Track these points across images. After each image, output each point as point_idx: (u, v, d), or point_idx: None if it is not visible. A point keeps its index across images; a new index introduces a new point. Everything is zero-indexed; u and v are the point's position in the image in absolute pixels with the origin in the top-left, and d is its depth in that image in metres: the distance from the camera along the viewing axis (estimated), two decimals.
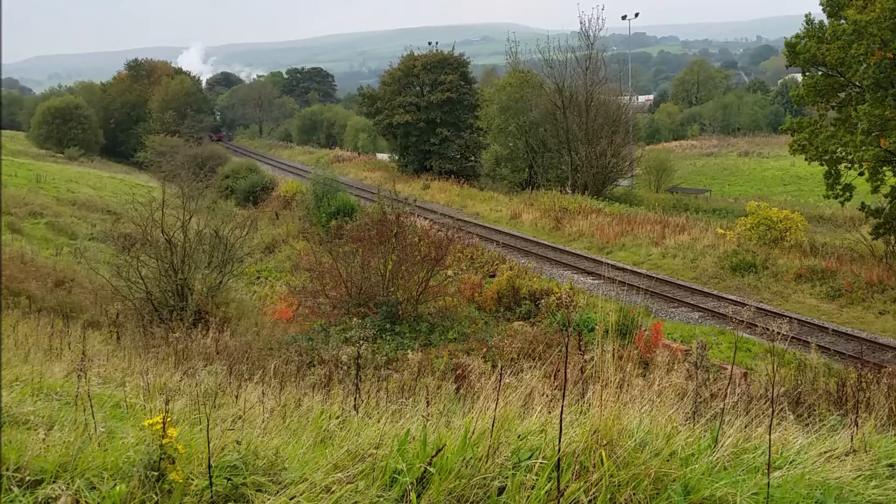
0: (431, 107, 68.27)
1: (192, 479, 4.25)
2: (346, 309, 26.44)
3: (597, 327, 19.49)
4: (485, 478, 4.28)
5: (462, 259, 35.50)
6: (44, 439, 4.70)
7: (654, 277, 32.35)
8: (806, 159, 36.96)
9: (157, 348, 13.88)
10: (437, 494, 4.14)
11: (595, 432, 4.54)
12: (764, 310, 26.73)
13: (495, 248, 37.99)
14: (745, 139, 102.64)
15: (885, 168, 33.64)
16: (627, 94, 75.08)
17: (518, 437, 4.74)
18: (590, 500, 4.21)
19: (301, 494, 4.24)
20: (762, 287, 31.08)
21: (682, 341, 23.20)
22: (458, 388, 11.71)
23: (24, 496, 4.12)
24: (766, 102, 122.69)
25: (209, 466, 4.17)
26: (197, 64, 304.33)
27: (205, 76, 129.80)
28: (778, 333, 5.68)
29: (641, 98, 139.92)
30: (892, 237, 34.24)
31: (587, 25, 62.39)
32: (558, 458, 4.22)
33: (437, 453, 4.27)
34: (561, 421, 4.32)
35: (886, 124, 31.57)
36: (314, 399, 7.97)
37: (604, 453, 4.39)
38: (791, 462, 4.95)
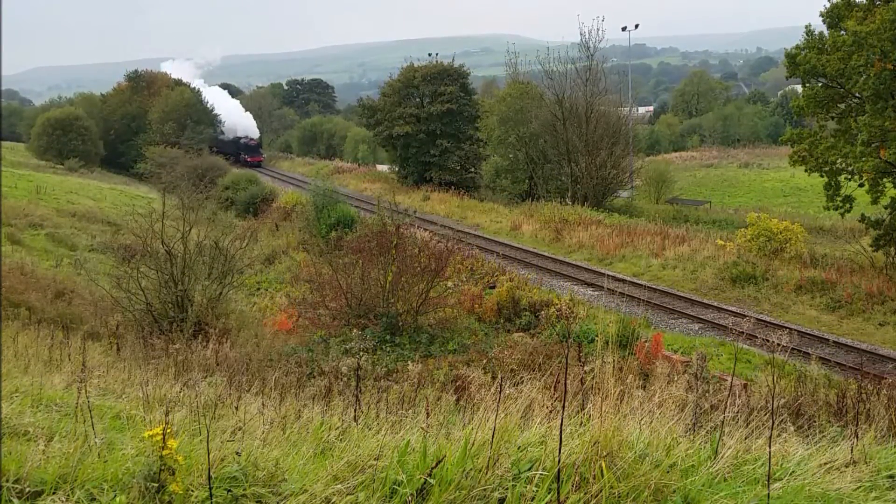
0: (431, 118, 68.26)
1: (192, 491, 4.26)
2: (346, 320, 26.44)
3: (597, 338, 19.51)
4: (485, 489, 4.28)
5: (462, 270, 35.48)
6: (44, 451, 4.70)
7: (654, 289, 32.34)
8: (806, 170, 36.95)
9: (156, 359, 13.89)
10: None
11: (595, 444, 4.55)
12: (764, 321, 26.72)
13: (495, 259, 37.98)
14: (745, 150, 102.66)
15: (885, 179, 33.62)
16: (627, 105, 75.17)
17: (518, 448, 4.74)
18: None
19: None
20: (762, 298, 31.07)
21: (682, 353, 23.18)
22: (458, 400, 11.71)
23: None
24: (766, 114, 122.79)
25: (209, 478, 4.17)
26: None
27: (205, 88, 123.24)
28: (778, 345, 5.69)
29: (641, 109, 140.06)
30: (892, 248, 34.22)
31: (587, 37, 62.58)
32: (558, 470, 4.22)
33: (437, 464, 4.27)
34: (561, 432, 4.33)
35: (886, 135, 31.58)
36: (314, 410, 7.98)
37: (604, 465, 4.39)
38: (791, 473, 4.96)
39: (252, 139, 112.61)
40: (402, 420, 6.63)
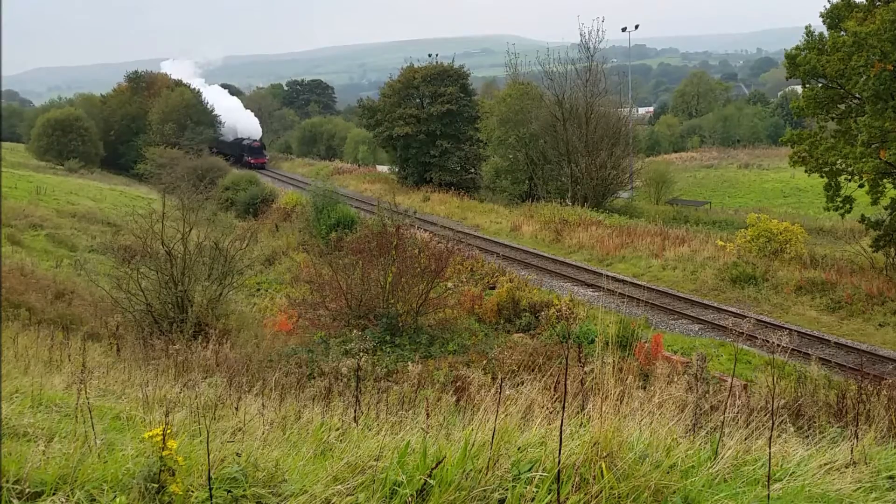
0: (431, 119, 68.27)
1: (192, 492, 4.26)
2: (346, 321, 26.42)
3: (597, 339, 19.48)
4: (485, 490, 4.28)
5: (462, 271, 35.49)
6: (44, 451, 4.70)
7: (654, 289, 32.33)
8: (806, 171, 36.97)
9: (156, 360, 13.88)
10: None
11: (595, 444, 4.55)
12: (764, 322, 26.71)
13: (495, 260, 37.97)
14: (745, 151, 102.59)
15: (884, 180, 33.64)
16: (627, 105, 75.18)
17: (518, 449, 4.74)
18: None
19: None
20: (762, 299, 31.07)
21: (682, 353, 23.18)
22: (458, 400, 11.71)
23: None
24: (767, 114, 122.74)
25: (209, 478, 4.17)
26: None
27: (205, 87, 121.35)
28: (778, 345, 5.69)
29: (641, 110, 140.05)
30: (893, 249, 34.23)
31: (587, 37, 62.45)
32: (558, 471, 4.22)
33: (437, 465, 4.27)
34: (561, 433, 4.33)
35: (886, 136, 31.59)
36: (314, 411, 7.98)
37: (604, 465, 4.39)
38: (791, 474, 4.96)
39: (256, 140, 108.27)
40: (402, 421, 6.64)
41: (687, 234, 41.82)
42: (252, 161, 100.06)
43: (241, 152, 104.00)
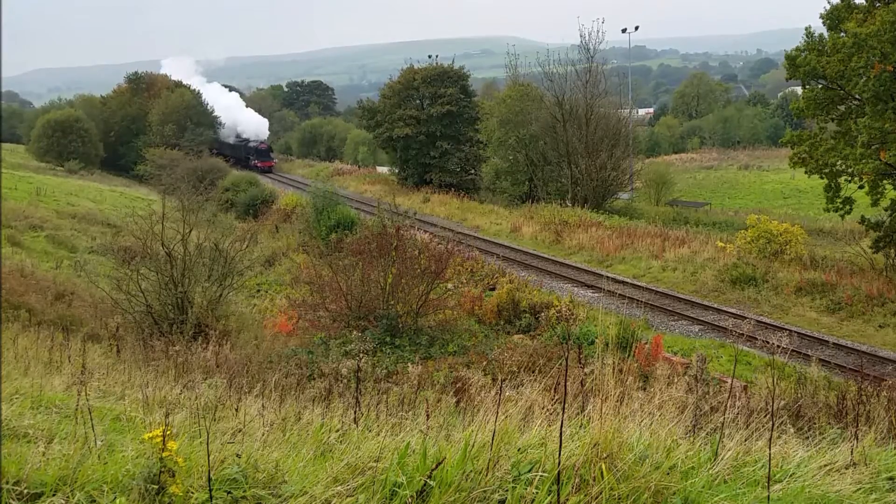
0: (431, 120, 68.26)
1: (192, 493, 4.26)
2: (346, 322, 26.41)
3: (597, 340, 19.47)
4: (485, 491, 4.28)
5: (462, 272, 35.47)
6: (43, 452, 4.70)
7: (654, 290, 32.34)
8: (806, 172, 36.97)
9: (156, 361, 13.87)
10: None
11: (595, 445, 4.55)
12: (764, 323, 26.71)
13: (495, 261, 37.96)
14: (745, 152, 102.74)
15: (884, 181, 33.64)
16: (627, 107, 75.20)
17: (518, 450, 4.74)
18: None
19: None
20: (762, 300, 31.05)
21: (682, 354, 23.17)
22: (458, 402, 11.70)
23: None
24: (766, 115, 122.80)
25: (209, 480, 4.17)
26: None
27: (205, 86, 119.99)
28: (778, 346, 5.70)
29: (641, 111, 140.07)
30: (892, 250, 34.23)
31: (587, 38, 62.52)
32: (558, 472, 4.22)
33: (437, 466, 4.27)
34: (561, 434, 4.33)
35: (886, 137, 31.58)
36: (314, 412, 7.97)
37: (604, 466, 4.39)
38: (791, 475, 4.96)
39: (263, 142, 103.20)
40: (402, 422, 6.64)
41: (687, 236, 41.83)
42: (259, 164, 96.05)
43: (246, 155, 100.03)
